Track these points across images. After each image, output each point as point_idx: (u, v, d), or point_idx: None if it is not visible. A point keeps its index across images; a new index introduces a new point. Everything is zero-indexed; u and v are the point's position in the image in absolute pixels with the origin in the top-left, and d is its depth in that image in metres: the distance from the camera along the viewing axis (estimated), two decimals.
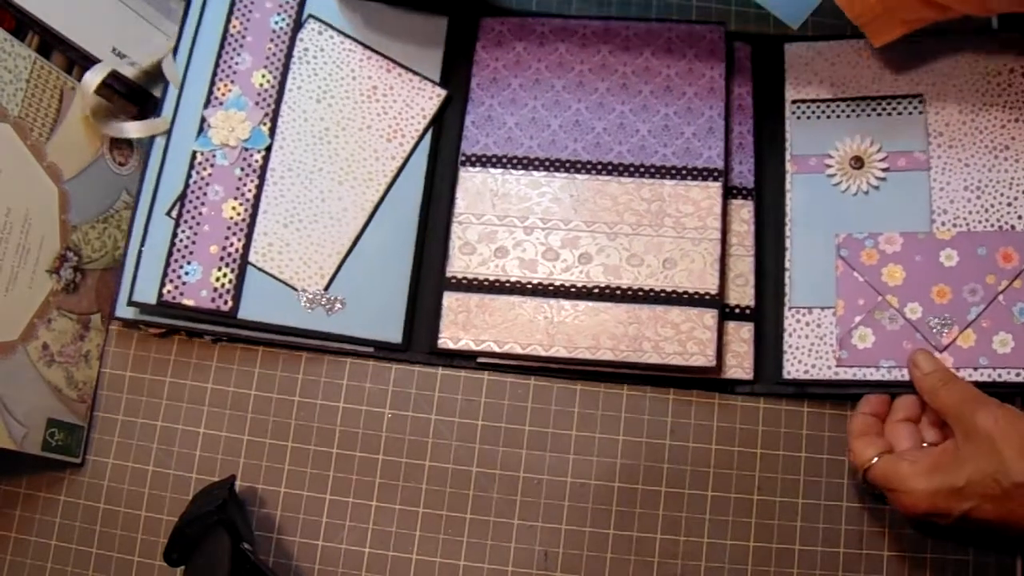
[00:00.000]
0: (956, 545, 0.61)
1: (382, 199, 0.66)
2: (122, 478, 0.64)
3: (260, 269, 0.64)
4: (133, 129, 0.68)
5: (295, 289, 0.64)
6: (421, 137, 0.68)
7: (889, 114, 0.65)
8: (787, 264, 0.64)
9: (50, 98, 0.61)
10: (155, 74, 0.71)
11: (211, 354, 0.66)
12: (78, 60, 0.66)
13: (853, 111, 0.65)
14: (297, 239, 0.65)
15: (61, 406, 0.63)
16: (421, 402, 0.64)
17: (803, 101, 0.66)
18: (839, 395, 0.62)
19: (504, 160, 0.66)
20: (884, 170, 0.64)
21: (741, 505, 0.62)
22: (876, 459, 0.57)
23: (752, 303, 0.64)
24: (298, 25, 0.69)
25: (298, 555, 0.63)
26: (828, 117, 0.66)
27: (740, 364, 0.63)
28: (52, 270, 0.62)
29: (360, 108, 0.68)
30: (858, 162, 0.64)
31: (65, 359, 0.63)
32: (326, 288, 0.64)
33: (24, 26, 0.62)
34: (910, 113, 0.64)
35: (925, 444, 0.58)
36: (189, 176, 0.65)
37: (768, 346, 0.63)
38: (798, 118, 0.66)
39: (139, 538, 0.63)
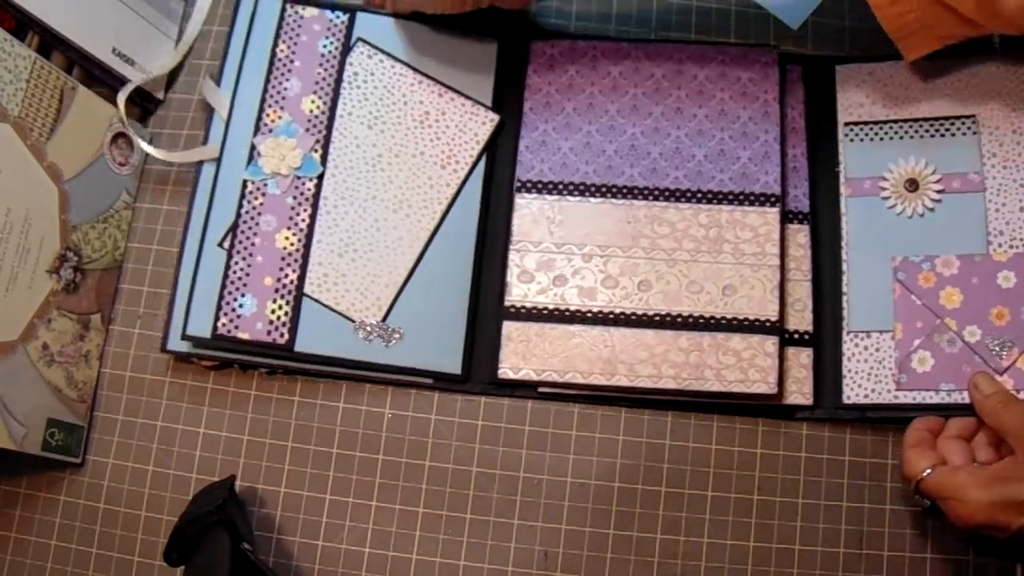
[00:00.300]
0: (957, 546, 0.61)
1: (437, 227, 0.65)
2: (122, 478, 0.64)
3: (316, 300, 0.63)
4: (181, 156, 0.68)
5: (352, 321, 0.63)
6: (475, 163, 0.67)
7: (942, 135, 0.64)
8: (844, 288, 0.63)
9: (50, 98, 0.62)
10: (155, 74, 0.71)
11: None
12: (78, 60, 0.66)
13: (906, 132, 0.65)
14: (353, 269, 0.64)
15: (61, 406, 0.63)
16: (421, 402, 0.64)
17: (856, 123, 0.66)
18: (899, 419, 0.62)
19: (560, 186, 0.65)
20: (939, 192, 0.63)
21: (741, 505, 0.62)
22: (929, 471, 0.57)
23: (810, 328, 0.63)
24: (347, 49, 0.68)
25: (298, 555, 0.62)
26: (881, 139, 0.65)
27: (800, 390, 0.62)
28: (52, 270, 0.62)
29: (413, 134, 0.67)
30: (913, 184, 0.63)
31: (65, 359, 0.63)
32: (384, 319, 0.63)
33: (24, 26, 0.62)
34: (963, 134, 0.64)
35: (975, 463, 0.58)
36: (240, 206, 0.64)
37: (827, 371, 0.63)
38: (851, 140, 0.66)
39: (139, 538, 0.63)
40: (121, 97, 0.66)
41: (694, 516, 0.62)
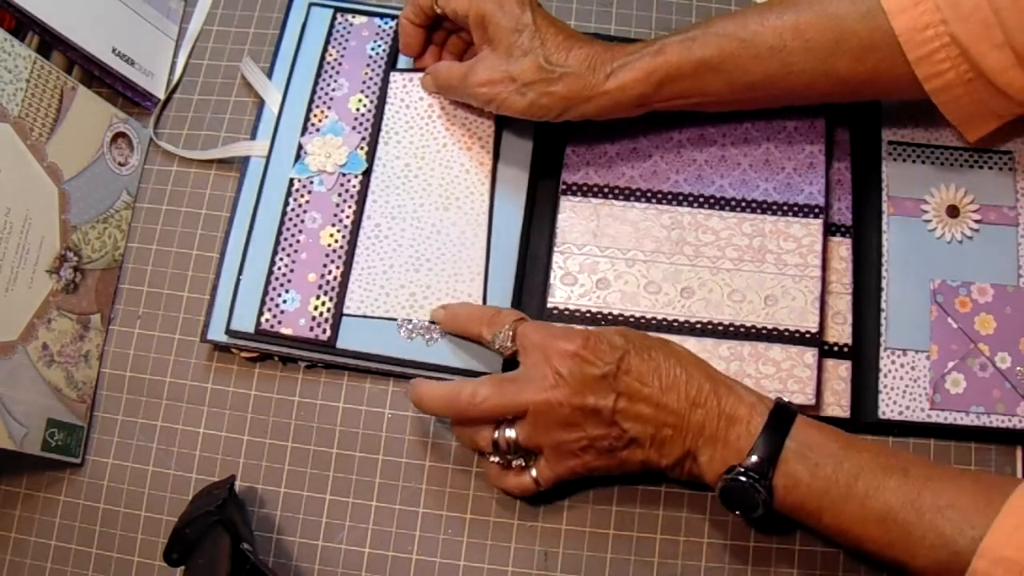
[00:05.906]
0: None
1: (491, 206, 0.66)
2: (122, 478, 0.64)
3: (357, 312, 0.64)
4: (225, 151, 0.68)
5: (394, 319, 0.64)
6: (499, 132, 0.67)
7: (981, 167, 0.65)
8: (883, 305, 0.63)
9: (50, 98, 0.62)
10: (155, 74, 0.71)
11: (211, 354, 0.66)
12: (78, 60, 0.66)
13: (947, 159, 0.65)
14: (435, 280, 0.64)
15: (61, 406, 0.63)
16: None
17: (899, 143, 0.66)
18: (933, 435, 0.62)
19: (606, 190, 0.65)
20: (977, 222, 0.64)
21: None
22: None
23: (849, 341, 0.63)
24: (395, 51, 0.69)
25: (298, 555, 0.62)
26: (923, 162, 0.65)
27: (838, 402, 0.62)
28: (52, 270, 0.62)
29: (427, 129, 0.67)
30: (954, 211, 0.64)
31: (65, 359, 0.63)
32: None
33: (24, 26, 0.63)
34: (1000, 169, 0.65)
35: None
36: (287, 203, 0.65)
37: (864, 385, 0.63)
38: (895, 159, 0.66)
39: (139, 538, 0.63)
40: (152, 118, 0.69)
41: (694, 516, 0.62)
